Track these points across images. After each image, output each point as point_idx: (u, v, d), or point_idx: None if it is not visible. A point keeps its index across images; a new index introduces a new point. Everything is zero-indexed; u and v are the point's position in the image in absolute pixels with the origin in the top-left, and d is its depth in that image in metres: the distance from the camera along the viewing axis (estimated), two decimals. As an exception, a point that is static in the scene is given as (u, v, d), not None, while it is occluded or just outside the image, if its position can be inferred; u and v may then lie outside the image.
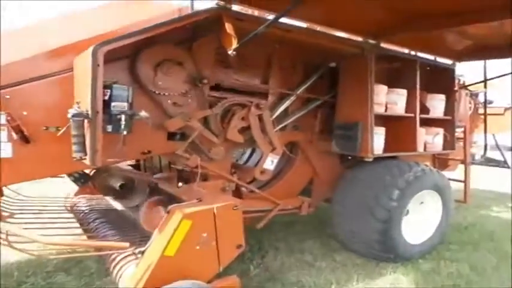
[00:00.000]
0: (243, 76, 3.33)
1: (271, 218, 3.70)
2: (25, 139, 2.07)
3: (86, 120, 1.94)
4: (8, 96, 2.03)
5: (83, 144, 2.00)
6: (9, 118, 1.98)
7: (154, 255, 2.03)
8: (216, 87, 3.19)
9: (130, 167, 3.96)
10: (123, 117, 2.13)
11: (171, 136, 2.95)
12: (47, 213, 3.05)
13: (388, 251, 3.54)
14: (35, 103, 2.13)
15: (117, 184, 3.59)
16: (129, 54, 2.60)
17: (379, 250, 3.53)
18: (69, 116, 1.93)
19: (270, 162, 3.39)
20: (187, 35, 2.85)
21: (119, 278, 2.10)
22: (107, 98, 2.11)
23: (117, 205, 3.71)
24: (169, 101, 2.84)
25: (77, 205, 3.66)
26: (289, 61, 3.64)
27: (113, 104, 2.12)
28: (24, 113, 2.10)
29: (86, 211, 3.43)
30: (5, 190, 3.01)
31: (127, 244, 2.03)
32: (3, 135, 2.00)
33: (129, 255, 2.18)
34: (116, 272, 2.14)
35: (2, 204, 2.75)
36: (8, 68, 2.05)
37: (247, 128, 3.23)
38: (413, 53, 4.15)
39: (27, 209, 3.00)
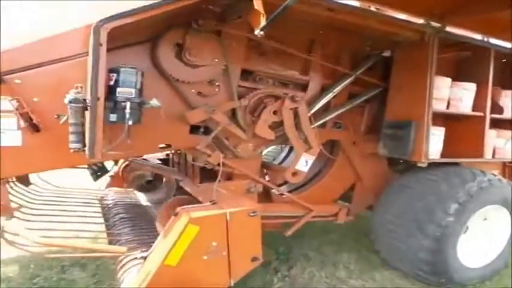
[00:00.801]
0: (279, 65, 2.96)
1: (303, 224, 3.31)
2: (35, 127, 1.95)
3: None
4: (18, 81, 1.92)
5: (82, 134, 1.82)
6: (17, 104, 1.87)
7: (154, 264, 1.81)
8: (247, 77, 2.88)
9: (159, 161, 3.84)
10: (128, 104, 1.90)
11: (194, 129, 2.70)
12: (68, 205, 3.01)
13: (439, 274, 2.96)
14: (48, 89, 2.00)
15: (144, 180, 3.49)
16: (150, 38, 2.39)
17: (427, 272, 2.96)
18: (66, 101, 1.76)
19: (304, 163, 3.00)
20: (215, 18, 2.56)
21: (121, 282, 1.91)
22: (112, 83, 1.90)
23: (144, 200, 3.62)
24: (193, 90, 2.59)
25: (104, 198, 3.61)
26: (334, 49, 3.17)
27: (118, 89, 1.90)
28: (35, 99, 1.97)
29: (110, 205, 3.34)
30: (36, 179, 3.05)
31: (124, 249, 1.83)
32: (11, 123, 1.90)
33: (134, 258, 1.98)
34: (120, 274, 1.96)
35: (21, 194, 2.74)
36: (19, 51, 1.94)
37: (280, 123, 2.87)
38: (486, 39, 3.41)
39: (50, 199, 2.97)
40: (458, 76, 3.37)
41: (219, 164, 2.64)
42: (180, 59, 2.44)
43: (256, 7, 2.01)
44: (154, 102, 2.08)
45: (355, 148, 3.55)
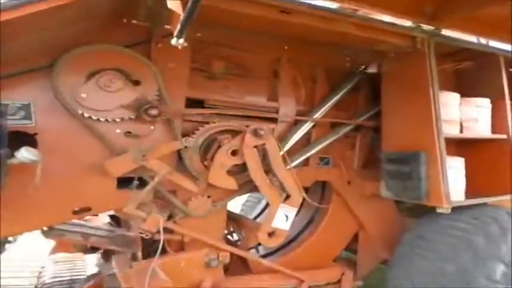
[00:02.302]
0: (237, 91, 2.32)
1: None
2: None
3: None
4: None
5: None
6: None
7: None
8: (195, 107, 2.22)
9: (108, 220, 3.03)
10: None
11: (124, 183, 1.97)
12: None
13: None
14: None
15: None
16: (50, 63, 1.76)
17: None
18: None
19: (284, 218, 2.21)
20: (143, 35, 1.96)
21: None
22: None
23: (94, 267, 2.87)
24: (117, 130, 1.90)
25: (42, 272, 2.86)
26: (306, 66, 2.58)
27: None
28: None
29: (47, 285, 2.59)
30: None
31: None
32: None
33: None
34: None
35: None
36: None
37: (244, 166, 2.14)
38: (494, 44, 2.82)
39: None
40: (465, 91, 2.72)
41: (158, 231, 1.86)
42: (94, 88, 1.78)
43: (169, 5, 1.40)
44: (24, 155, 1.36)
45: (351, 189, 2.80)
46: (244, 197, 4.09)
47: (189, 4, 1.22)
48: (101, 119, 1.83)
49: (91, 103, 1.80)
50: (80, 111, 1.77)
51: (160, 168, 1.89)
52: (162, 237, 1.86)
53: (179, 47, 1.42)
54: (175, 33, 1.37)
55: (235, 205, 4.07)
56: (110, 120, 1.85)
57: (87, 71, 1.77)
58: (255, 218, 3.60)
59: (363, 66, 2.85)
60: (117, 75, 1.82)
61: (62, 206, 1.82)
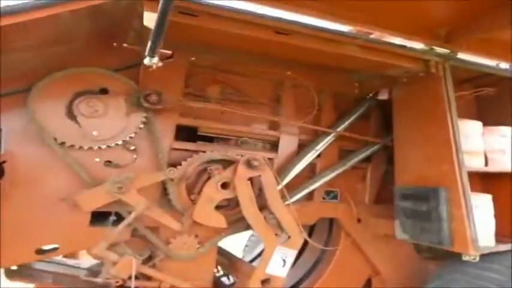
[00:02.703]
0: (234, 117, 2.12)
1: None
2: None
3: None
4: None
5: None
6: None
7: None
8: (189, 137, 2.02)
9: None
10: None
11: (100, 219, 1.74)
12: None
13: None
14: None
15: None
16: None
17: None
18: None
19: (281, 263, 1.91)
20: (134, 59, 1.82)
21: None
22: None
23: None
24: (96, 158, 1.70)
25: None
26: (310, 93, 2.38)
27: None
28: None
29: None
30: None
31: None
32: None
33: None
34: None
35: None
36: None
37: (236, 201, 1.88)
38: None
39: None
40: (486, 120, 2.45)
41: (130, 278, 1.59)
42: (70, 112, 1.62)
43: (145, 22, 1.25)
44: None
45: (362, 228, 2.48)
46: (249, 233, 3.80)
47: (157, 19, 1.06)
48: (77, 147, 1.65)
49: (68, 130, 1.62)
50: (56, 139, 1.60)
51: (137, 202, 1.66)
52: (133, 285, 1.59)
53: (154, 66, 1.24)
54: (146, 51, 1.20)
55: (239, 241, 3.77)
56: (88, 148, 1.67)
57: (69, 95, 1.62)
58: (255, 258, 3.29)
59: (373, 93, 2.63)
60: (100, 98, 1.66)
61: (23, 244, 1.59)
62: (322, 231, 2.68)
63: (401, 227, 2.14)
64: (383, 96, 2.64)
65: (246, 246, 3.96)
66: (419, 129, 2.19)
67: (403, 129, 2.30)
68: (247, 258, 3.58)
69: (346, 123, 2.43)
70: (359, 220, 2.48)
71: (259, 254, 3.55)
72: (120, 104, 1.70)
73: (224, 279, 2.68)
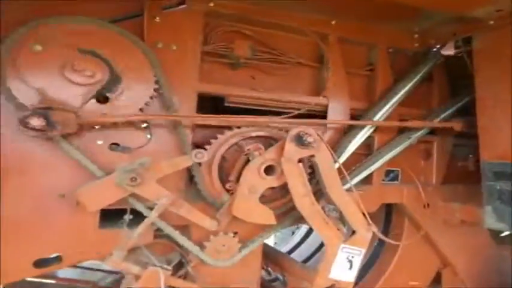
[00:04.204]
0: (268, 83, 1.67)
1: None
2: None
3: None
4: None
5: None
6: None
7: None
8: (213, 108, 1.60)
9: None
10: None
11: (112, 218, 1.36)
12: None
13: None
14: None
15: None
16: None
17: None
18: None
19: (347, 264, 1.47)
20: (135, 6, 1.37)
21: None
22: None
23: None
24: (99, 141, 1.30)
25: None
26: (361, 48, 1.90)
27: None
28: None
29: None
30: None
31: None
32: None
33: None
34: None
35: None
36: None
37: (285, 189, 1.46)
38: None
39: None
40: None
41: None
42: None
43: None
44: None
45: (431, 214, 2.02)
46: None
47: None
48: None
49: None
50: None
51: (159, 196, 1.26)
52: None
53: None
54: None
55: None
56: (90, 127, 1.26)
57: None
58: (291, 251, 2.89)
59: (437, 46, 2.10)
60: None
61: (18, 256, 1.23)
62: (377, 219, 2.24)
63: (495, 214, 1.66)
64: (448, 51, 2.11)
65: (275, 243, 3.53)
66: (515, 85, 1.66)
67: (491, 89, 1.77)
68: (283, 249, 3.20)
69: (409, 85, 1.93)
70: (427, 205, 2.01)
71: (298, 245, 3.16)
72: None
73: (263, 274, 2.30)
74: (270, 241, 3.50)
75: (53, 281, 2.03)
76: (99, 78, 1.22)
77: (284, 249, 3.18)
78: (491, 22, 1.73)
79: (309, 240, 3.00)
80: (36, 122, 1.10)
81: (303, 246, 3.04)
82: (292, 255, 3.06)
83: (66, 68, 1.18)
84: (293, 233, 3.18)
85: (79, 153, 1.23)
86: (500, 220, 1.65)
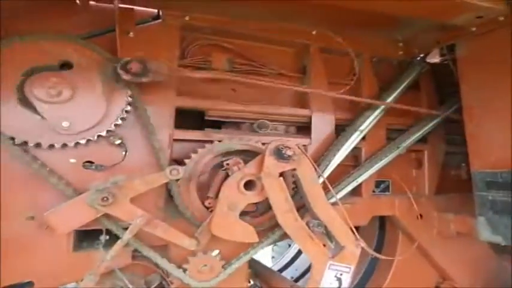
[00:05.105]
0: (250, 95, 1.64)
1: None
2: None
3: None
4: None
5: None
6: None
7: None
8: (192, 120, 1.56)
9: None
10: None
11: (85, 239, 1.30)
12: None
13: None
14: None
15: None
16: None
17: None
18: None
19: (335, 283, 1.40)
20: (107, 21, 1.36)
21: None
22: None
23: None
24: (72, 159, 1.26)
25: None
26: (345, 59, 1.87)
27: None
28: None
29: None
30: None
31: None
32: None
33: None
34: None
35: None
36: None
37: (267, 205, 1.40)
38: None
39: None
40: None
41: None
42: (27, 102, 1.18)
43: None
44: None
45: (424, 225, 1.95)
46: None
47: None
48: (45, 146, 1.20)
49: (27, 123, 1.18)
50: (14, 138, 1.16)
51: (133, 216, 1.20)
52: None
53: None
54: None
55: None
56: (62, 145, 1.22)
57: (17, 75, 1.17)
58: (283, 268, 2.80)
59: (422, 55, 2.09)
60: (61, 75, 1.20)
61: (-15, 285, 1.17)
62: (370, 232, 2.17)
63: (489, 226, 1.59)
64: (433, 58, 2.09)
65: (275, 245, 3.44)
66: (504, 93, 1.62)
67: (477, 96, 1.74)
68: (277, 266, 3.11)
69: (395, 93, 1.91)
70: (420, 216, 1.95)
71: (292, 261, 3.07)
72: (92, 81, 1.23)
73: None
74: (267, 255, 3.41)
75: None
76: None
77: (280, 263, 3.10)
78: (474, 29, 1.71)
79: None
80: (135, 66, 1.18)
81: (300, 258, 2.96)
82: (290, 268, 2.98)
83: None
84: (289, 245, 3.10)
85: (47, 171, 1.19)
86: (495, 232, 1.58)
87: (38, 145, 1.20)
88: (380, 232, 2.18)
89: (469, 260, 2.09)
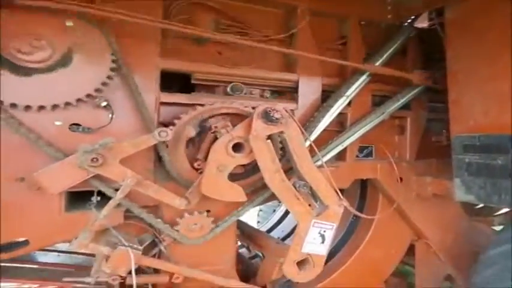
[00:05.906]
0: (237, 58, 1.62)
1: None
2: None
3: None
4: None
5: None
6: None
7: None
8: (179, 85, 1.55)
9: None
10: None
11: (77, 201, 1.33)
12: None
13: None
14: None
15: None
16: None
17: None
18: None
19: (319, 239, 1.49)
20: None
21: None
22: None
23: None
24: (57, 122, 1.25)
25: None
26: (333, 22, 1.86)
27: None
28: None
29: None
30: None
31: None
32: None
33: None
34: None
35: None
36: None
37: (254, 166, 1.45)
38: None
39: None
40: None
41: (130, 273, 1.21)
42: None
43: None
44: None
45: (404, 188, 2.05)
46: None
47: None
48: (35, 108, 1.19)
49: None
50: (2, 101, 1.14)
51: (123, 177, 1.23)
52: (134, 282, 1.21)
53: None
54: None
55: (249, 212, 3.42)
56: (44, 108, 1.21)
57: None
58: (271, 229, 2.93)
59: (410, 19, 2.08)
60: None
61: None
62: (352, 194, 2.27)
63: (463, 187, 1.70)
64: (422, 23, 2.10)
65: (260, 211, 3.55)
66: (488, 60, 1.66)
67: (462, 62, 1.78)
68: (263, 229, 3.25)
69: (382, 58, 1.92)
70: (401, 179, 2.05)
71: (277, 223, 3.20)
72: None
73: (243, 251, 2.32)
74: (253, 219, 3.54)
75: (35, 266, 2.01)
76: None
77: (266, 226, 3.23)
78: (463, -7, 1.71)
79: (290, 216, 3.05)
80: None
81: (284, 222, 3.10)
82: (275, 230, 3.12)
83: None
84: (274, 210, 3.22)
85: (34, 135, 1.18)
86: (468, 192, 1.69)
87: (28, 107, 1.18)
88: (361, 195, 2.28)
89: (442, 221, 2.24)
